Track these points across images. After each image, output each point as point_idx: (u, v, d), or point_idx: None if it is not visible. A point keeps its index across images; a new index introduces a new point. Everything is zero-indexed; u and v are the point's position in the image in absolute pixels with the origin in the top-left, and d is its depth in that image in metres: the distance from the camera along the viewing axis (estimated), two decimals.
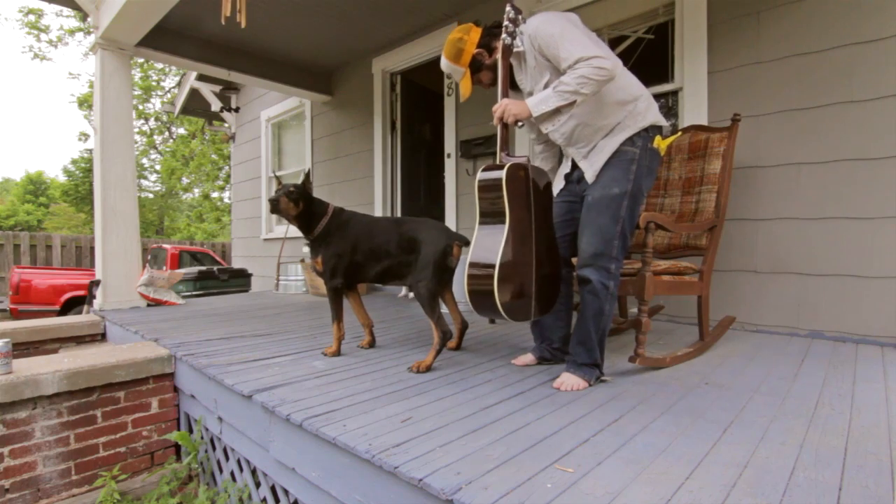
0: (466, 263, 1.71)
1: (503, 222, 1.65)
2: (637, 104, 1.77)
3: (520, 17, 1.79)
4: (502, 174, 1.66)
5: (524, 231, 1.69)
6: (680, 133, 2.51)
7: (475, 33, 1.88)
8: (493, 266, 1.60)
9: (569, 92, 1.63)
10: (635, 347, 1.90)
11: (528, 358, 2.05)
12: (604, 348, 1.80)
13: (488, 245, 1.65)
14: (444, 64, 1.95)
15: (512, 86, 1.92)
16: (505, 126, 1.77)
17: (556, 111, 1.73)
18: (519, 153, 3.70)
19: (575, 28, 1.70)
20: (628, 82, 1.80)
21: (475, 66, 1.91)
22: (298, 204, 2.20)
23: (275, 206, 2.15)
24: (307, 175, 2.32)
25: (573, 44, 1.64)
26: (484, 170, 1.73)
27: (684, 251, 2.37)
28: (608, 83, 1.68)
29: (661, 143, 1.81)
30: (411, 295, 3.63)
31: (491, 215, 1.70)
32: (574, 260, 2.03)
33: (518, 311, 1.68)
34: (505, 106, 1.75)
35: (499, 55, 1.82)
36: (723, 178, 2.30)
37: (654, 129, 1.80)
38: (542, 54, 1.75)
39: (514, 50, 1.82)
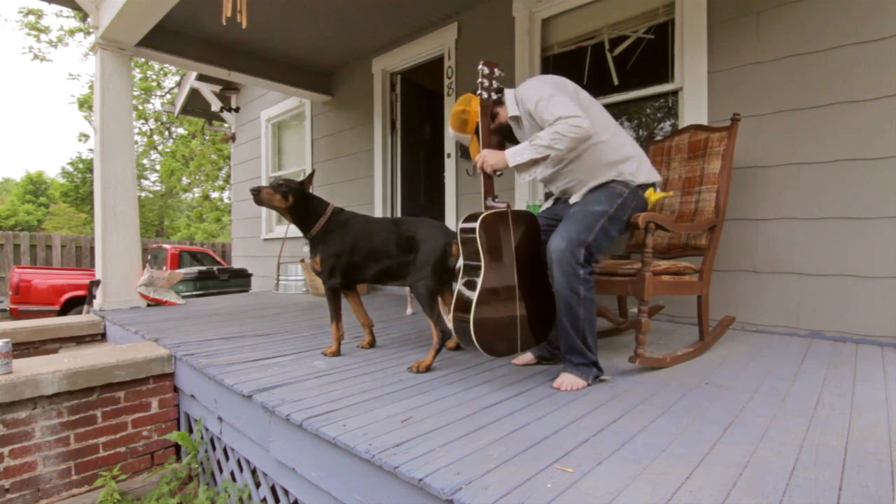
0: (452, 306, 1.81)
1: (479, 268, 1.74)
2: (628, 164, 1.89)
3: (496, 70, 1.91)
4: (476, 225, 1.75)
5: (503, 273, 1.77)
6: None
7: (475, 103, 1.99)
8: (469, 311, 1.69)
9: (543, 146, 1.75)
10: (635, 347, 1.90)
11: (528, 357, 2.05)
12: (595, 346, 1.79)
13: (466, 290, 1.76)
14: (452, 134, 2.09)
15: (514, 142, 2.07)
16: (487, 175, 1.87)
17: (534, 163, 1.84)
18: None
19: (562, 93, 1.82)
20: (621, 142, 1.91)
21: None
22: (288, 198, 2.21)
23: (256, 197, 2.18)
24: (311, 174, 2.33)
25: (556, 105, 1.76)
26: (464, 220, 1.83)
27: (684, 251, 2.37)
28: (597, 144, 1.84)
29: (651, 196, 1.93)
30: (409, 309, 3.61)
31: (470, 261, 1.80)
32: None
33: (496, 347, 1.75)
34: (484, 157, 1.86)
35: (500, 118, 1.97)
36: (722, 177, 2.30)
37: (645, 186, 1.92)
38: (532, 116, 1.87)
39: (511, 114, 1.96)
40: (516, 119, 1.98)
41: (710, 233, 2.27)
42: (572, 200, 1.93)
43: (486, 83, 1.90)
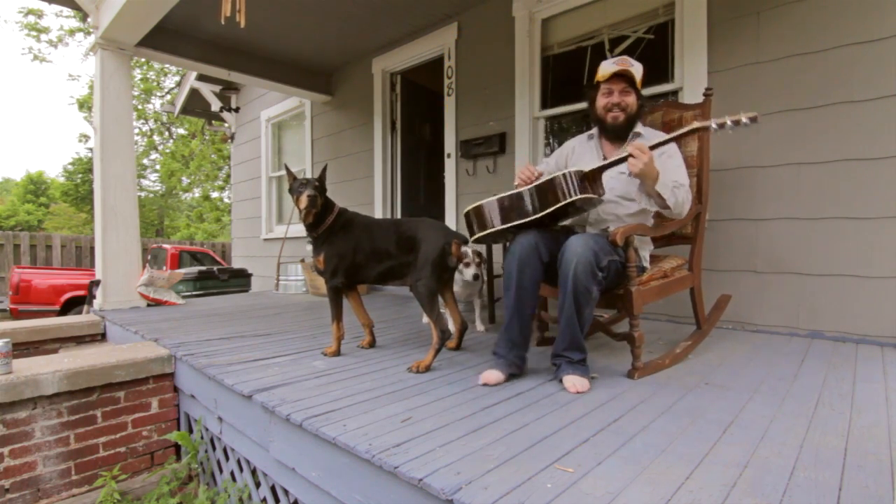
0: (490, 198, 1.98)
1: (535, 213, 1.85)
2: (644, 249, 2.09)
3: (743, 122, 1.69)
4: (572, 198, 1.74)
5: (521, 210, 1.90)
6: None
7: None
8: (489, 226, 1.95)
9: (675, 200, 1.86)
10: (633, 361, 1.87)
11: (498, 376, 1.80)
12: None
13: (505, 211, 1.92)
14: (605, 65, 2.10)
15: (615, 134, 2.08)
16: (617, 162, 1.81)
17: (647, 195, 1.90)
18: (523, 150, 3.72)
19: None
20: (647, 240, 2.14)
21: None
22: (320, 199, 2.22)
23: (312, 203, 2.14)
24: (323, 170, 2.33)
25: (684, 171, 1.99)
26: (572, 174, 1.76)
27: (671, 240, 2.34)
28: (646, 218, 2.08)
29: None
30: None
31: (537, 201, 1.86)
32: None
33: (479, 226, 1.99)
34: (647, 153, 1.73)
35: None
36: (701, 159, 2.24)
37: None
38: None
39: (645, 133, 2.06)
40: (639, 136, 2.05)
41: (696, 220, 2.24)
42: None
43: (730, 125, 1.68)
